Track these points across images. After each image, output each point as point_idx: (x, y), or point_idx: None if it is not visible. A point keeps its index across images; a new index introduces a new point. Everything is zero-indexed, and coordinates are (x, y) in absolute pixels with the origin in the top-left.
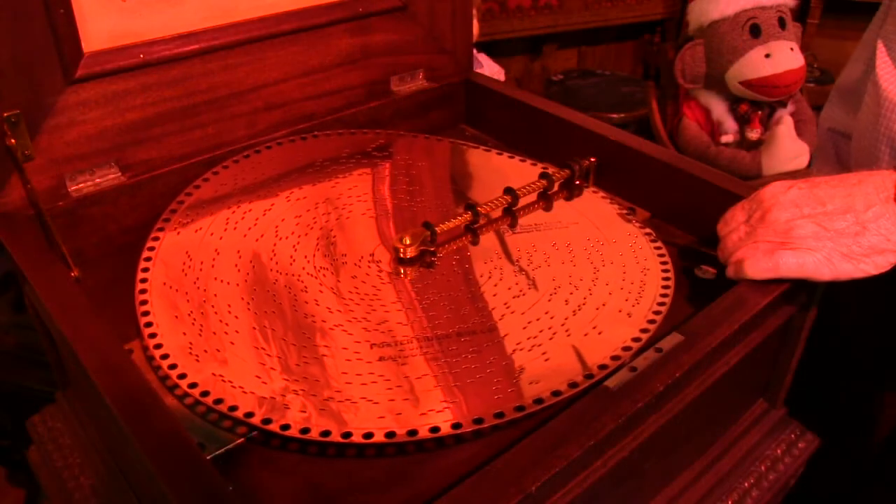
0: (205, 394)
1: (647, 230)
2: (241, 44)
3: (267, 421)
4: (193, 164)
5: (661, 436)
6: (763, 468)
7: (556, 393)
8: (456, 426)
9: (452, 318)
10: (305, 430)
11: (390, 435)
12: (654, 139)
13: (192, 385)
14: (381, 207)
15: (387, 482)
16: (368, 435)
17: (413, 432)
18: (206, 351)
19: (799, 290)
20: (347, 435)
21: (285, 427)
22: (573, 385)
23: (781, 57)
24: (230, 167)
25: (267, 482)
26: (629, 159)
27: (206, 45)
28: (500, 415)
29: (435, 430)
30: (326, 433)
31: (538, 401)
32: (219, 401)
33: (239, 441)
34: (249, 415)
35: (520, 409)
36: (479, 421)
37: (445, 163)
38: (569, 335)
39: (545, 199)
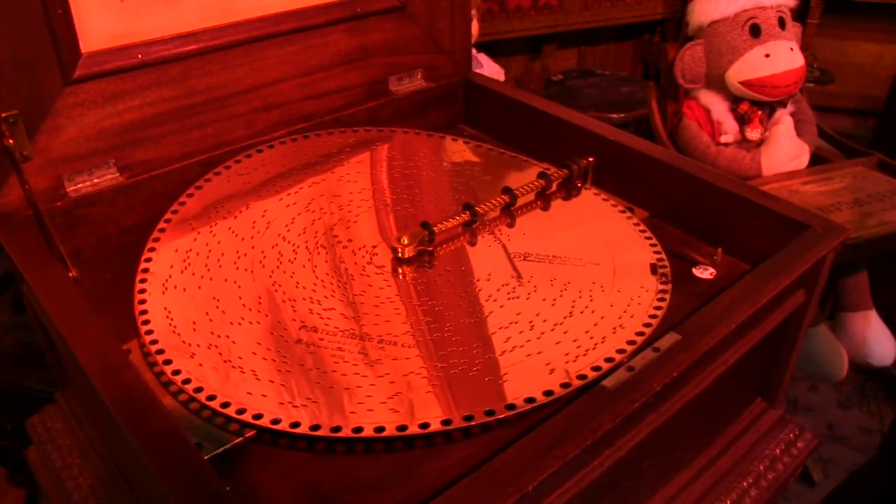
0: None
1: (665, 287)
2: (239, 44)
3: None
4: (192, 164)
5: (659, 435)
6: (762, 467)
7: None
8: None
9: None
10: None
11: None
12: (654, 139)
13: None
14: (382, 205)
15: (384, 482)
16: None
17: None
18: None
19: (797, 290)
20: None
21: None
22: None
23: (781, 57)
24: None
25: (265, 482)
26: (628, 159)
27: (204, 46)
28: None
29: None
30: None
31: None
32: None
33: (237, 441)
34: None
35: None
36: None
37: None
38: (472, 374)
39: (543, 199)
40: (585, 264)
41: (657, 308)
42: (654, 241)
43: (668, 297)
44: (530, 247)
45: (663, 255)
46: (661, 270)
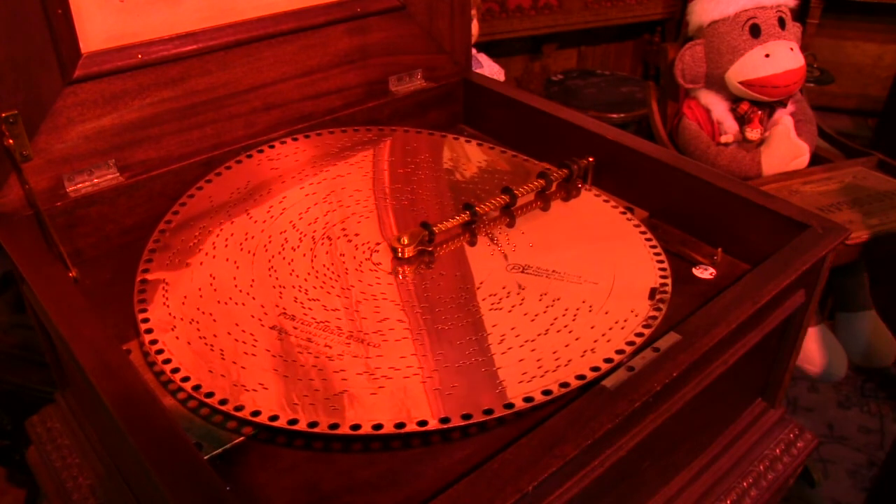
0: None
1: (655, 313)
2: (239, 44)
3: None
4: (192, 164)
5: (659, 435)
6: (762, 468)
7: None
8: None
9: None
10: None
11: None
12: (654, 139)
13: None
14: (384, 204)
15: (384, 481)
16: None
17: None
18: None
19: (797, 290)
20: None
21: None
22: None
23: (781, 57)
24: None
25: (265, 482)
26: (627, 159)
27: (204, 46)
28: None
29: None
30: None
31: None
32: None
33: (238, 440)
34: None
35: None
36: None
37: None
38: (423, 382)
39: (543, 199)
40: (583, 282)
41: (638, 335)
42: (664, 263)
43: (655, 323)
44: (531, 259)
45: (668, 281)
46: (659, 296)
